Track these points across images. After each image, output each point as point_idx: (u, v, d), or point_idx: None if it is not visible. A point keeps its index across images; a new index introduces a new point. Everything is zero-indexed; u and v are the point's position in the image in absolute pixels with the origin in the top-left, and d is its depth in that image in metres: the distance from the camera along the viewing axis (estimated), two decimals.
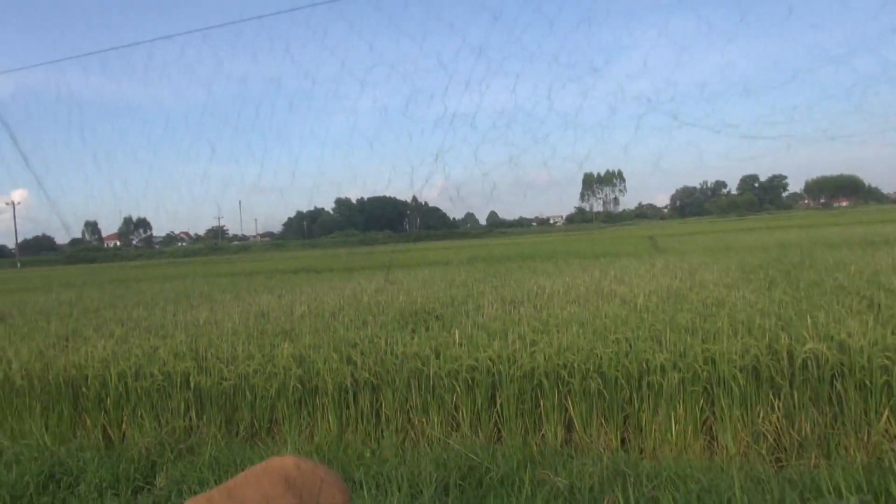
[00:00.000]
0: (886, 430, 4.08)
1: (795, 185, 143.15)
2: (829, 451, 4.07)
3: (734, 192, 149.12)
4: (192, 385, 5.38)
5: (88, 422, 5.54)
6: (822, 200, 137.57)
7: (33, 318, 10.23)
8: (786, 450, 4.24)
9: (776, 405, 4.33)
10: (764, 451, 4.21)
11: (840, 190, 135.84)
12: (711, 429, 4.50)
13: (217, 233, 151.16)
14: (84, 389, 5.61)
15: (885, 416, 4.08)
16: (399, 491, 3.58)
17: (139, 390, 5.46)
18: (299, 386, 5.12)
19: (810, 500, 2.83)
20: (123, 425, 5.48)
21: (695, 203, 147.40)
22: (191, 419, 5.37)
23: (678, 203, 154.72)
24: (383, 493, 3.62)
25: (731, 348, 4.51)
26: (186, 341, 6.40)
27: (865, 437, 4.06)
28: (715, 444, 4.45)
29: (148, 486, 4.32)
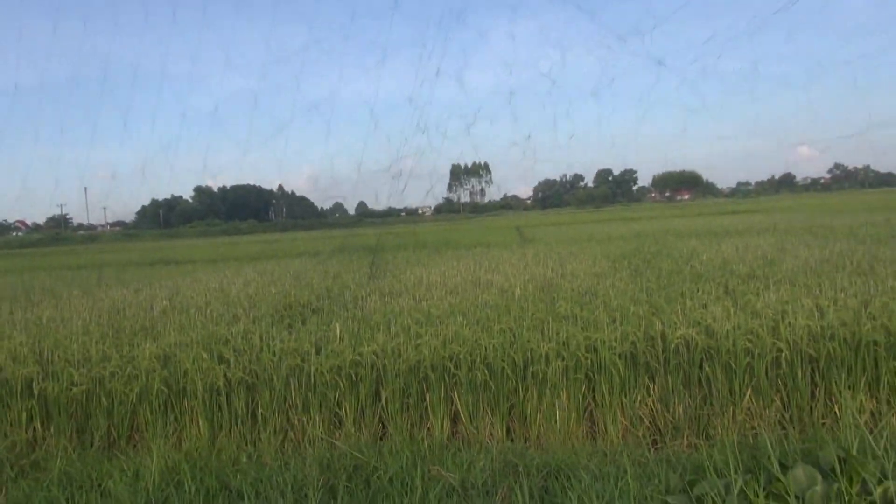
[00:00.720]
0: (749, 409, 4.37)
1: (644, 180, 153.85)
2: (701, 431, 4.30)
3: (591, 184, 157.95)
4: (35, 392, 4.77)
5: None
6: (667, 193, 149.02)
7: None
8: (660, 432, 4.43)
9: (652, 389, 4.52)
10: (641, 434, 4.38)
11: (682, 184, 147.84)
12: (592, 414, 4.62)
13: (59, 221, 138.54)
14: None
15: (748, 396, 4.36)
16: (283, 497, 3.33)
17: None
18: (164, 389, 4.68)
19: (696, 481, 2.94)
20: None
21: (555, 195, 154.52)
22: (35, 430, 4.76)
23: (540, 195, 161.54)
24: (264, 500, 3.36)
25: (610, 336, 4.65)
26: (28, 343, 5.68)
27: (731, 416, 4.33)
28: (596, 429, 4.57)
29: None
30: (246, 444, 4.56)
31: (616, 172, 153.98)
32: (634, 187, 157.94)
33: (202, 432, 4.64)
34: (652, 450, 4.15)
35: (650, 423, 4.48)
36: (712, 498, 2.68)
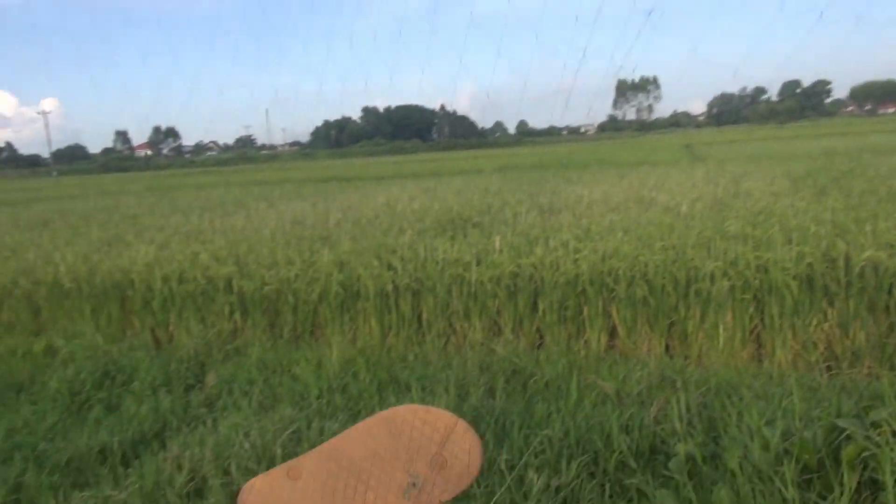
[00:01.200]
0: None
1: (839, 92, 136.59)
2: (885, 360, 3.98)
3: (774, 98, 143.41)
4: (234, 289, 5.44)
5: (136, 323, 5.67)
6: (868, 107, 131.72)
7: (75, 224, 10.42)
8: (837, 358, 4.16)
9: (829, 314, 4.22)
10: (814, 360, 4.15)
11: (887, 96, 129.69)
12: (759, 337, 4.43)
13: (245, 142, 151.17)
14: (130, 293, 5.71)
15: None
16: (447, 392, 3.60)
17: (184, 293, 5.54)
18: (341, 291, 5.13)
19: (873, 408, 2.77)
20: (170, 327, 5.60)
21: (732, 110, 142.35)
22: (235, 322, 5.46)
23: (715, 110, 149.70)
24: (430, 394, 3.65)
25: (784, 256, 4.37)
26: (226, 247, 6.45)
27: None
28: (762, 352, 4.39)
29: (199, 384, 4.44)
30: (412, 345, 4.93)
31: (805, 84, 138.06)
32: (827, 100, 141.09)
33: (374, 332, 5.06)
34: (825, 376, 3.93)
35: (825, 349, 4.22)
36: (888, 423, 2.52)
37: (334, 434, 3.17)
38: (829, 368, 4.09)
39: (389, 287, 5.06)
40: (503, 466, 2.74)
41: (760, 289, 4.35)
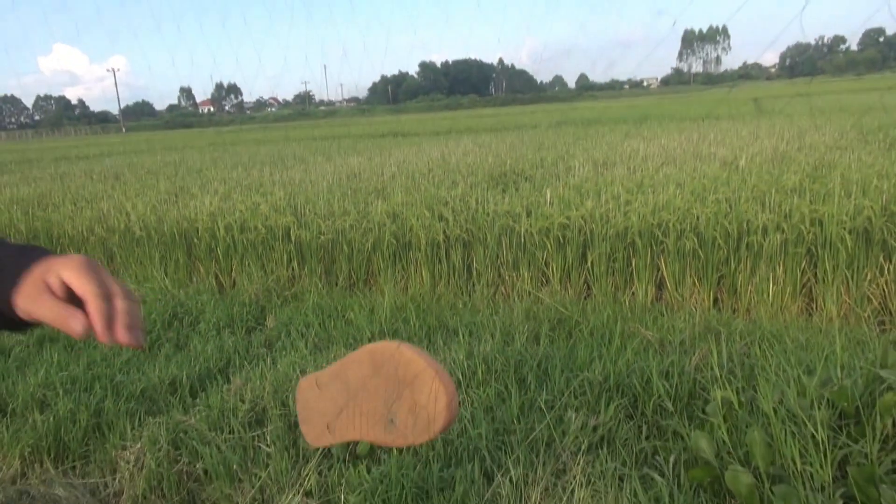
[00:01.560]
0: None
1: None
2: None
3: (854, 48, 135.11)
4: (293, 238, 5.67)
5: (202, 269, 5.99)
6: None
7: (143, 177, 10.90)
8: (892, 314, 4.09)
9: (887, 269, 4.13)
10: (867, 315, 4.09)
11: None
12: (811, 291, 4.38)
13: (304, 98, 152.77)
14: (196, 240, 6.02)
15: None
16: (492, 338, 3.74)
17: (245, 242, 5.80)
18: (394, 241, 5.29)
19: None
20: (233, 273, 5.90)
21: (807, 62, 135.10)
22: (293, 269, 5.70)
23: (788, 62, 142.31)
24: (477, 339, 3.79)
25: (841, 210, 4.27)
26: (285, 198, 6.68)
27: None
28: (813, 306, 4.34)
29: (259, 326, 4.70)
30: (461, 294, 5.07)
31: (889, 33, 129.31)
32: None
33: (424, 281, 5.22)
34: (878, 330, 3.88)
35: (879, 304, 4.15)
36: None
37: None
38: (881, 324, 4.03)
39: (441, 237, 5.19)
40: (543, 406, 2.86)
41: (814, 243, 4.29)
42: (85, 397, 3.54)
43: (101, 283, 0.75)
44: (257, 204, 6.45)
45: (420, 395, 0.86)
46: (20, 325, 0.80)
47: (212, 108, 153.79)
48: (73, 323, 0.73)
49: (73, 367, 4.04)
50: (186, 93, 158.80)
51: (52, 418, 3.33)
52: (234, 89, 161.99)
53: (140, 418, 3.36)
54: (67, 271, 0.74)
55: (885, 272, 4.14)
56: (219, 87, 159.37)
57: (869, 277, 4.14)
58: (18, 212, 7.47)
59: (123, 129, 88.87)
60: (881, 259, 4.16)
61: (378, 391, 0.89)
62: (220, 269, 5.91)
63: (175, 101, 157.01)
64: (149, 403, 3.55)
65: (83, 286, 0.74)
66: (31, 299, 0.75)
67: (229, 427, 3.10)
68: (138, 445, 3.15)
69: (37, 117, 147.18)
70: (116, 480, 3.09)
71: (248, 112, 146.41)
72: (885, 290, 4.14)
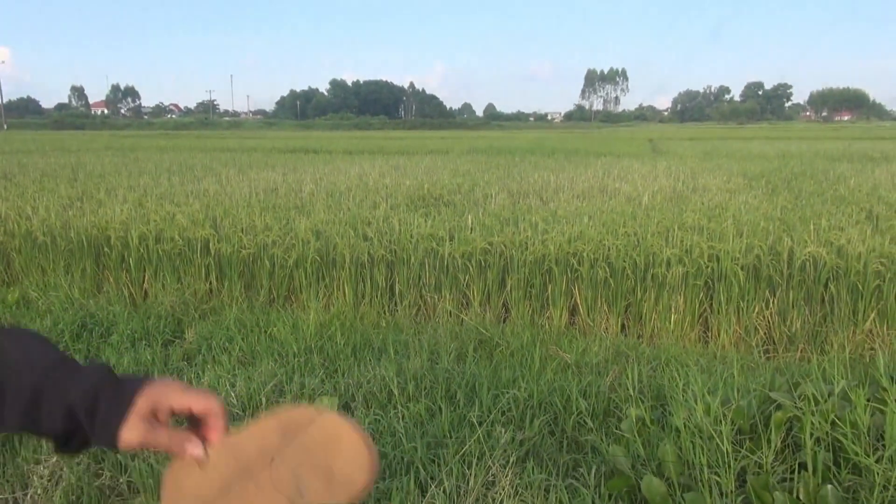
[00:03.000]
0: (870, 331, 4.39)
1: (799, 97, 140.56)
2: (816, 346, 4.39)
3: (737, 98, 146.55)
4: (212, 251, 5.58)
5: (112, 279, 5.76)
6: (825, 113, 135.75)
7: (38, 180, 10.28)
8: (775, 343, 4.56)
9: (771, 302, 4.61)
10: (755, 343, 4.53)
11: (844, 103, 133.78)
12: (707, 320, 4.80)
13: (208, 107, 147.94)
14: (106, 249, 5.79)
15: (871, 318, 4.37)
16: (418, 356, 3.86)
17: (160, 253, 5.65)
18: (318, 258, 5.32)
19: (801, 384, 3.12)
20: (145, 284, 5.72)
21: (696, 108, 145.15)
22: (211, 283, 5.60)
23: (679, 107, 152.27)
24: (405, 357, 3.90)
25: (735, 247, 4.73)
26: (202, 210, 6.55)
27: (851, 335, 4.37)
28: (709, 334, 4.76)
29: (177, 339, 4.59)
30: (384, 313, 5.16)
31: (768, 87, 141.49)
32: (787, 104, 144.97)
33: (347, 299, 5.27)
34: (763, 358, 4.32)
35: (765, 334, 4.61)
36: (814, 395, 2.87)
37: (314, 390, 3.39)
38: (766, 351, 4.49)
39: (365, 257, 5.27)
40: (474, 420, 3.02)
41: (711, 276, 4.72)
42: None
43: (211, 398, 0.79)
44: (173, 214, 6.29)
45: (338, 459, 0.82)
46: (83, 447, 0.78)
47: (106, 111, 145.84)
48: (191, 448, 0.78)
49: None
50: (78, 92, 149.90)
51: None
52: (131, 92, 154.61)
53: None
54: (176, 397, 0.77)
55: (770, 305, 4.62)
56: (115, 88, 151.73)
57: (756, 310, 4.60)
58: None
59: (5, 126, 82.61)
60: (767, 293, 4.64)
61: (285, 461, 0.82)
62: (132, 280, 5.71)
63: (65, 101, 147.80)
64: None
65: (203, 406, 0.78)
66: (143, 432, 0.75)
67: None
68: (54, 459, 3.03)
69: None
70: (28, 496, 2.96)
71: (146, 117, 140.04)
72: (770, 321, 4.61)
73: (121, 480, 2.89)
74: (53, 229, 6.03)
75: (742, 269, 4.62)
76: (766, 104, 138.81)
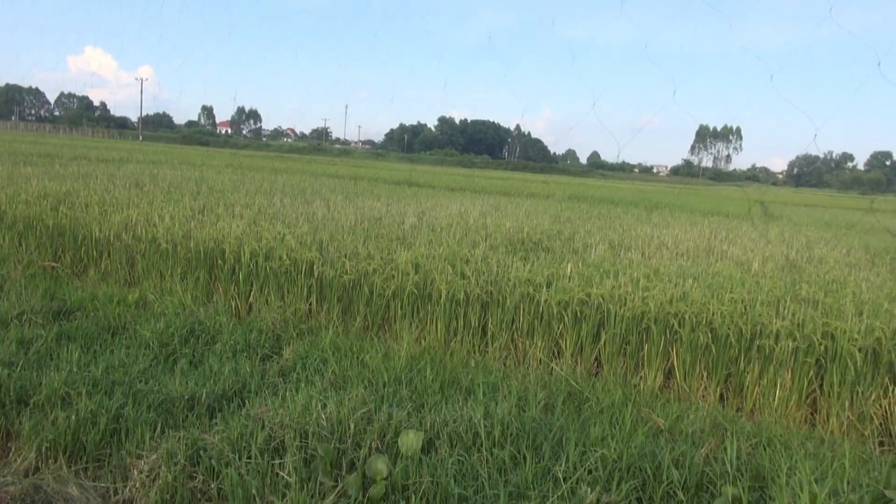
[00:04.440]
0: None
1: None
2: None
3: (861, 167, 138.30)
4: (315, 273, 5.79)
5: (221, 290, 6.09)
6: None
7: (167, 190, 11.07)
8: (892, 435, 4.20)
9: (891, 390, 4.26)
10: (868, 433, 4.19)
11: None
12: (816, 402, 4.49)
13: (321, 133, 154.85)
14: (220, 262, 6.14)
15: None
16: (506, 400, 3.82)
17: (268, 270, 5.92)
18: (415, 291, 5.41)
19: None
20: (250, 298, 6.00)
21: (814, 173, 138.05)
22: (311, 305, 5.80)
23: (795, 170, 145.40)
24: (492, 400, 3.88)
25: (853, 327, 4.43)
26: (310, 232, 6.83)
27: None
28: (816, 417, 4.45)
29: (275, 355, 4.78)
30: (474, 352, 5.17)
31: None
32: None
33: (439, 334, 5.32)
34: (878, 450, 3.98)
35: (881, 424, 4.26)
36: None
37: (400, 423, 3.40)
38: (881, 443, 4.14)
39: (461, 295, 5.31)
40: (559, 475, 2.94)
41: (824, 355, 4.43)
42: (106, 401, 3.60)
43: None
44: (283, 235, 6.60)
45: None
46: None
47: (229, 130, 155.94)
48: None
49: (93, 368, 4.10)
50: (208, 111, 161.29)
51: (73, 417, 3.39)
52: (254, 114, 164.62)
53: (159, 429, 3.42)
54: None
55: (890, 393, 4.27)
56: (240, 110, 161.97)
57: (873, 396, 4.26)
58: (48, 206, 7.61)
59: (140, 138, 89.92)
60: (887, 380, 4.29)
61: None
62: (239, 293, 6.01)
63: (195, 118, 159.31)
64: (167, 416, 3.61)
65: None
66: None
67: (248, 452, 3.17)
68: (154, 456, 3.20)
69: (57, 113, 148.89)
70: (128, 488, 3.14)
71: (265, 139, 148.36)
72: (888, 410, 4.25)
73: (212, 486, 3.02)
74: (176, 238, 6.46)
75: (860, 350, 4.30)
76: (894, 176, 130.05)
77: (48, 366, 4.09)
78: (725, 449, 3.25)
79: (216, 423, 3.49)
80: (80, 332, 4.90)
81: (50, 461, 3.29)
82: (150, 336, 4.84)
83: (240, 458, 3.10)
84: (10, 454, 3.41)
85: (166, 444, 3.23)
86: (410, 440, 3.19)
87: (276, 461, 3.08)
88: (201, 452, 3.15)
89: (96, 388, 3.76)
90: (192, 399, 3.81)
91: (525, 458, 3.12)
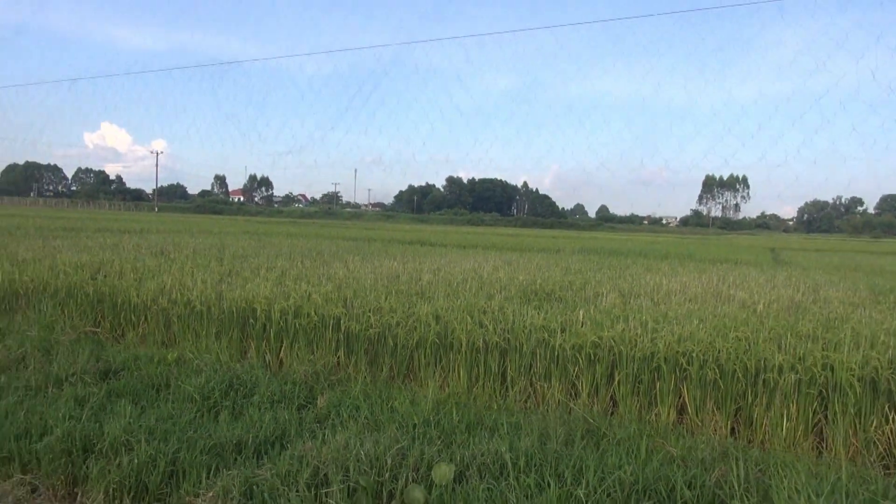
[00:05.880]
0: None
1: None
2: None
3: (871, 211, 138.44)
4: (342, 328, 6.16)
5: (253, 347, 6.45)
6: None
7: (192, 256, 11.58)
8: None
9: (891, 417, 4.51)
10: (873, 459, 4.43)
11: None
12: (822, 431, 4.74)
13: (332, 198, 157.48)
14: (251, 320, 6.53)
15: None
16: (529, 436, 4.12)
17: (297, 326, 6.30)
18: (437, 340, 5.76)
19: None
20: (281, 354, 6.35)
21: (824, 218, 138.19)
22: (339, 357, 6.15)
23: (805, 216, 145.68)
24: (515, 437, 4.17)
25: (851, 358, 4.72)
26: (334, 290, 7.23)
27: None
28: (823, 445, 4.69)
29: (309, 405, 5.10)
30: (496, 397, 5.47)
31: None
32: None
33: (462, 381, 5.64)
34: (882, 473, 4.22)
35: (885, 450, 4.50)
36: None
37: (432, 457, 3.72)
38: (885, 467, 4.37)
39: (480, 342, 5.65)
40: (581, 496, 3.23)
41: (826, 386, 4.70)
42: (162, 446, 3.94)
43: None
44: (309, 293, 7.00)
45: None
46: None
47: (241, 198, 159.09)
48: None
49: (145, 419, 4.45)
50: (220, 180, 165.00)
51: (135, 460, 3.73)
52: (265, 182, 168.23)
53: (213, 470, 3.74)
54: None
55: (890, 420, 4.52)
56: (252, 178, 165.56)
57: (875, 424, 4.52)
58: (87, 276, 8.08)
59: (156, 208, 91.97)
60: (886, 408, 4.55)
61: None
62: (270, 349, 6.38)
63: (208, 187, 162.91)
64: (218, 458, 3.93)
65: None
66: None
67: (296, 486, 3.48)
68: (211, 493, 3.52)
69: (74, 187, 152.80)
70: None
71: (277, 205, 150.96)
72: (890, 437, 4.50)
73: None
74: (209, 300, 6.88)
75: (859, 381, 4.58)
76: None
77: (105, 419, 4.45)
78: (735, 473, 3.53)
79: (264, 463, 3.81)
80: (127, 389, 5.26)
81: (116, 502, 3.61)
82: (192, 390, 5.19)
83: (289, 491, 3.41)
84: (78, 498, 3.74)
85: (221, 481, 3.56)
86: (443, 471, 3.50)
87: (323, 490, 3.39)
88: (254, 488, 3.47)
89: (153, 436, 4.10)
90: (239, 443, 4.14)
91: (549, 483, 3.41)
